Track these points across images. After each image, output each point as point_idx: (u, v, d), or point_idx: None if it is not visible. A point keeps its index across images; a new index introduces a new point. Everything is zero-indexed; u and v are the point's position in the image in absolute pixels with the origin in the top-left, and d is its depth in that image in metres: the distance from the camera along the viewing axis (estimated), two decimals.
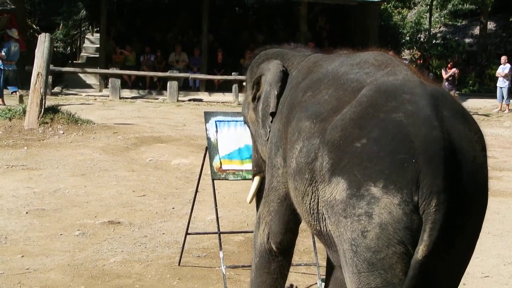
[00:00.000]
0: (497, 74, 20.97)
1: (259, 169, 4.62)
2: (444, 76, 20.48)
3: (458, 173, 2.96)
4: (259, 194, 4.58)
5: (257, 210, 4.55)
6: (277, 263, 4.23)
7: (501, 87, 20.54)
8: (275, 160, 3.94)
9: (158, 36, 23.43)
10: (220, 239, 5.74)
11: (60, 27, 29.50)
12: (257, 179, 4.69)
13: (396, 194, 2.92)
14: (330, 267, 4.33)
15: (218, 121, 5.90)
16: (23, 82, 16.87)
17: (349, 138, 3.08)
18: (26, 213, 7.62)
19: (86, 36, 28.99)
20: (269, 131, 4.14)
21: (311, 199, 3.40)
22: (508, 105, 20.50)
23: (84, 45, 27.89)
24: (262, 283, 4.27)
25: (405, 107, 3.04)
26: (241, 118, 5.79)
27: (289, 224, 4.05)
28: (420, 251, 2.91)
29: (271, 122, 4.12)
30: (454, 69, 20.67)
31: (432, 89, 3.18)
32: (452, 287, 3.19)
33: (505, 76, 20.43)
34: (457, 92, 21.08)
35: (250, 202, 4.85)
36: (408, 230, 2.94)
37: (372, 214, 2.96)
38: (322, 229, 3.39)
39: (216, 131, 5.85)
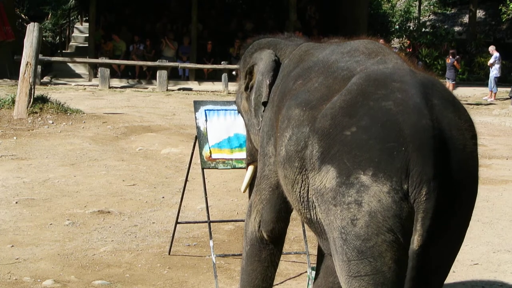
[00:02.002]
0: (488, 64, 21.07)
1: (253, 158, 4.60)
2: (458, 66, 20.46)
3: (448, 161, 2.96)
4: (252, 183, 4.57)
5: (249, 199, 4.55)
6: (268, 251, 4.23)
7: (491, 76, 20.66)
8: (266, 149, 3.94)
9: (147, 25, 23.35)
10: (210, 228, 5.73)
11: (49, 16, 29.31)
12: (251, 168, 4.68)
13: (386, 182, 2.92)
14: (321, 256, 4.33)
15: (207, 110, 5.89)
16: (12, 71, 16.76)
17: (339, 126, 3.08)
18: (16, 203, 7.60)
19: (75, 26, 28.83)
20: (261, 121, 4.14)
21: (301, 187, 3.40)
22: (495, 93, 20.56)
23: (73, 34, 27.75)
24: (252, 271, 4.28)
25: (395, 95, 3.04)
26: (231, 107, 5.80)
27: (280, 213, 4.05)
28: (415, 241, 2.92)
29: (264, 111, 4.12)
30: (457, 56, 20.72)
31: (422, 77, 3.18)
32: (442, 275, 3.20)
33: (491, 65, 20.54)
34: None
35: (244, 191, 4.85)
36: (398, 218, 2.94)
37: (362, 202, 2.96)
38: (312, 217, 3.40)
39: (206, 120, 5.85)
